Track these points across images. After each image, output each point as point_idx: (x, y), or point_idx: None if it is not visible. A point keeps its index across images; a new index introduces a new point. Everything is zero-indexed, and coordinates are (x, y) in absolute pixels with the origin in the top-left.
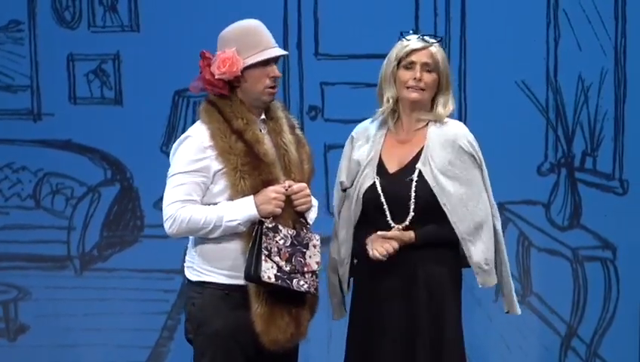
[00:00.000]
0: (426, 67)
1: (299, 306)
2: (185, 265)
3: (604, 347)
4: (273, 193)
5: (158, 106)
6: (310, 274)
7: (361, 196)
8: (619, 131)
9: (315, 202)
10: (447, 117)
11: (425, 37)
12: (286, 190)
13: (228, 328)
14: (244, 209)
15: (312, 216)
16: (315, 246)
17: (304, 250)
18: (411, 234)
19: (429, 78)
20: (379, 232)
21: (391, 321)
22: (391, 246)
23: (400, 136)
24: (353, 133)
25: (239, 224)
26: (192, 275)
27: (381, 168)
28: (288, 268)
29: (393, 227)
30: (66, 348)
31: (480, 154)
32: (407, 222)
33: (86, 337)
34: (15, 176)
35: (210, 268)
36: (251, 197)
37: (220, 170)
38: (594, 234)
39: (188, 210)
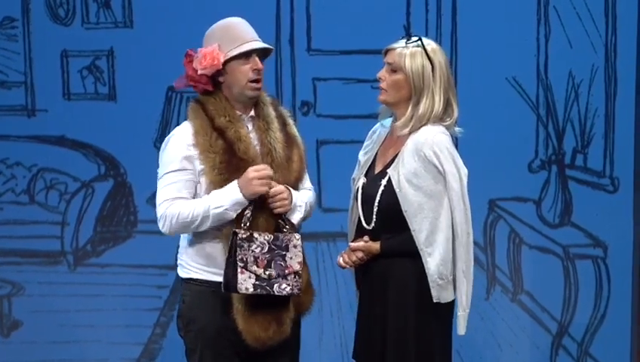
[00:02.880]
0: (389, 67)
1: (280, 305)
2: (177, 262)
3: (596, 345)
4: (252, 172)
5: (151, 102)
6: (293, 276)
7: (354, 195)
8: (609, 128)
9: (303, 199)
10: (430, 119)
11: (406, 37)
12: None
13: (214, 325)
14: (230, 194)
15: (296, 216)
16: (295, 246)
17: (284, 253)
18: (377, 245)
19: (390, 78)
20: (351, 243)
21: (370, 321)
22: (354, 256)
23: (393, 139)
24: (370, 132)
25: (226, 210)
26: (182, 272)
27: (370, 169)
28: (267, 275)
29: (365, 228)
30: (60, 345)
31: (446, 165)
32: (372, 224)
33: (79, 333)
34: (9, 172)
35: (197, 265)
36: (235, 181)
37: (202, 169)
38: (585, 232)
39: (176, 207)
